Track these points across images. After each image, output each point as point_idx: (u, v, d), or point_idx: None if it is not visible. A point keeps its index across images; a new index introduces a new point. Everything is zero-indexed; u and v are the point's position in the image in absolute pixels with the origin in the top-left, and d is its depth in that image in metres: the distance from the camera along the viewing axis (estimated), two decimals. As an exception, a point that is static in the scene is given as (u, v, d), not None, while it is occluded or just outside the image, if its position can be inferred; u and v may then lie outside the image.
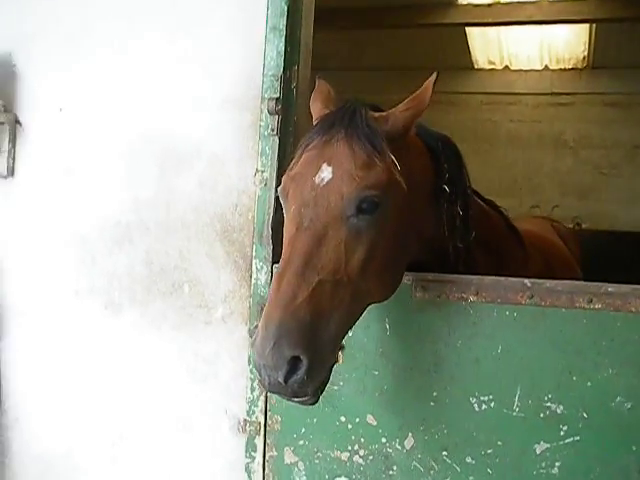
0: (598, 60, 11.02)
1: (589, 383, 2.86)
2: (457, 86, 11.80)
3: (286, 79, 3.47)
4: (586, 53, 10.80)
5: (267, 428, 3.36)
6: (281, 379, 2.28)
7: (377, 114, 2.80)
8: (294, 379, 2.30)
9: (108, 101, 3.96)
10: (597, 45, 10.43)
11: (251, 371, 3.39)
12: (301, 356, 2.28)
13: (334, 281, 2.44)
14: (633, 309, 2.81)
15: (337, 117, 2.71)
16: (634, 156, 11.12)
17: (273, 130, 3.42)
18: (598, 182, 11.34)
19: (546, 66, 11.52)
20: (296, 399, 2.42)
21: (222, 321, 3.64)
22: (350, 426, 3.19)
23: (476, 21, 9.48)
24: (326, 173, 2.56)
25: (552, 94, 11.56)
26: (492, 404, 2.98)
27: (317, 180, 2.55)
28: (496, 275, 3.01)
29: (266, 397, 3.36)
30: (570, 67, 11.39)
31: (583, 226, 11.02)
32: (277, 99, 3.42)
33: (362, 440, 3.18)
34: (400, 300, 3.05)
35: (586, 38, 10.23)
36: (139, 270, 3.85)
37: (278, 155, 3.43)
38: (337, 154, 2.58)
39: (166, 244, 3.79)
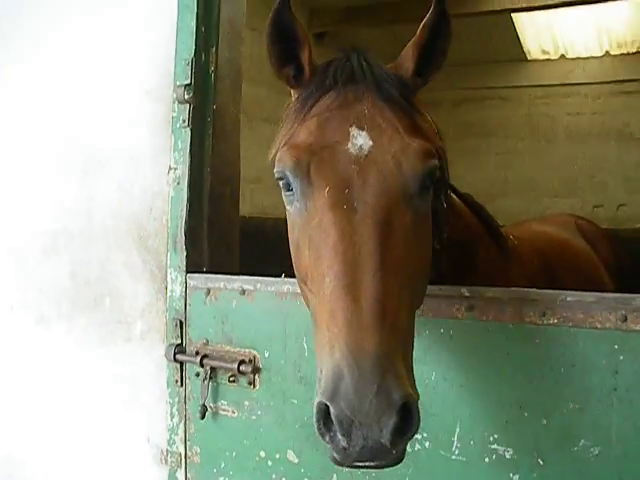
0: (665, 41, 10.11)
1: (545, 421, 2.32)
2: (509, 80, 11.11)
3: (200, 63, 3.10)
4: (650, 34, 9.92)
5: (187, 460, 3.06)
6: (387, 440, 1.64)
7: (390, 65, 2.30)
8: (405, 437, 1.69)
9: (33, 105, 3.71)
10: (661, 24, 9.55)
11: (170, 395, 3.10)
12: (410, 400, 1.67)
13: (409, 285, 1.93)
14: (598, 324, 2.25)
15: (347, 70, 2.20)
16: None
17: (185, 121, 3.05)
18: (668, 177, 10.40)
19: (607, 52, 10.66)
20: (387, 466, 1.77)
21: (141, 338, 3.32)
22: (270, 463, 2.83)
23: (521, 6, 8.75)
24: (362, 140, 2.03)
25: (615, 82, 10.69)
26: (426, 444, 2.52)
27: (353, 151, 2.02)
28: (454, 283, 2.50)
29: (185, 425, 3.05)
30: (634, 51, 10.49)
31: (652, 226, 10.20)
32: (187, 85, 3.05)
33: (284, 480, 2.79)
34: None
35: (648, 17, 9.39)
36: (65, 282, 3.56)
37: (191, 149, 3.05)
38: (371, 116, 2.08)
39: (88, 254, 3.49)
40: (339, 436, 1.64)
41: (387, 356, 1.68)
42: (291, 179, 2.06)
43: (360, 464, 1.71)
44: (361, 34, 8.67)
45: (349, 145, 2.02)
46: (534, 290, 2.35)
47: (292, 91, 2.44)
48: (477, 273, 2.93)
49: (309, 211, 2.02)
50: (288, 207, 2.15)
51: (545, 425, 2.30)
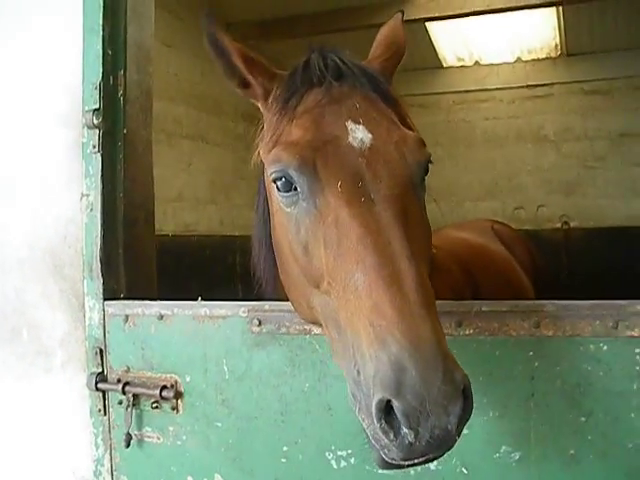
0: (572, 47, 10.45)
1: (466, 430, 2.22)
2: (427, 87, 11.31)
3: (108, 87, 3.03)
4: (558, 40, 10.23)
5: None
6: (454, 425, 1.61)
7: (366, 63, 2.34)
8: (466, 419, 1.67)
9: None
10: (568, 31, 9.87)
11: (94, 425, 3.00)
12: (468, 381, 1.67)
13: (427, 270, 1.93)
14: (513, 332, 2.26)
15: (333, 65, 2.18)
16: (620, 145, 10.51)
17: (95, 147, 2.98)
18: (584, 176, 10.71)
19: (518, 58, 10.97)
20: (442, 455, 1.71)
21: (61, 369, 3.22)
22: None
23: (435, 15, 8.88)
24: (362, 134, 2.02)
25: (527, 87, 11.00)
26: (352, 460, 2.49)
27: (355, 144, 1.99)
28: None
29: (111, 454, 2.96)
30: (544, 57, 10.83)
31: (571, 224, 10.47)
32: (96, 110, 2.97)
33: (213, 505, 2.73)
34: (236, 337, 2.65)
35: (555, 24, 9.67)
36: (-17, 314, 3.41)
37: (103, 175, 2.98)
38: (364, 109, 2.08)
39: (3, 285, 3.37)
40: (404, 431, 1.59)
41: (442, 340, 1.67)
42: (295, 178, 2.00)
43: (423, 459, 1.66)
44: (277, 47, 8.68)
45: (350, 139, 2.00)
46: (448, 302, 2.36)
47: (260, 103, 2.39)
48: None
49: (320, 209, 1.97)
50: (289, 209, 2.06)
51: (467, 435, 2.27)
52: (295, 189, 2.02)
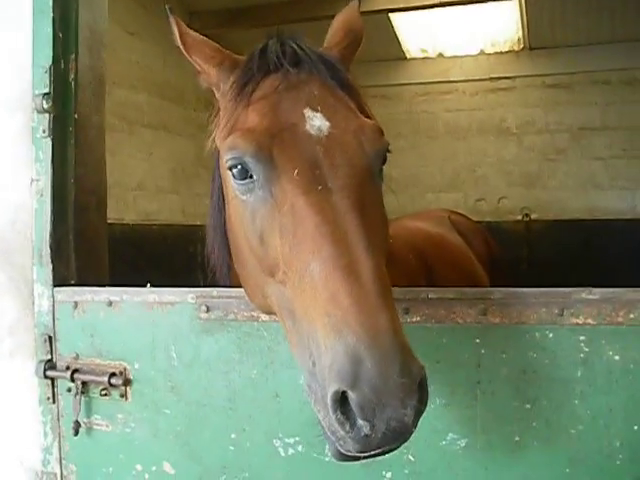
0: (534, 41, 10.49)
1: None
2: (390, 78, 11.29)
3: (59, 71, 2.98)
4: (520, 34, 10.27)
5: None
6: (410, 417, 1.59)
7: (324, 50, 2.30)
8: (422, 411, 1.66)
9: None
10: (531, 25, 9.90)
11: (43, 413, 2.98)
12: (424, 373, 1.66)
13: (384, 260, 1.91)
14: (460, 320, 2.27)
15: (290, 52, 2.15)
16: (580, 139, 10.60)
17: (45, 131, 2.94)
18: (545, 169, 10.80)
19: (481, 50, 10.99)
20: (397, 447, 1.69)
21: (10, 356, 3.17)
22: (147, 476, 2.76)
23: (399, 6, 8.88)
24: (319, 121, 1.98)
25: (490, 79, 11.03)
26: (300, 447, 2.49)
27: (313, 131, 1.96)
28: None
29: (60, 443, 2.94)
30: (507, 50, 10.86)
31: (532, 216, 10.56)
32: (46, 94, 2.93)
33: (161, 492, 2.72)
34: (185, 323, 2.63)
35: (518, 18, 9.71)
36: None
37: (54, 160, 2.94)
38: (322, 97, 2.06)
39: None
40: (360, 423, 1.57)
41: (399, 332, 1.65)
42: (252, 165, 1.96)
43: (379, 451, 1.64)
44: (240, 36, 8.63)
45: (307, 126, 1.97)
46: (396, 289, 2.35)
47: (215, 89, 2.36)
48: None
49: (276, 196, 1.93)
50: (244, 196, 2.02)
51: (413, 421, 2.32)
52: (251, 177, 1.98)
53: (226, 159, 2.03)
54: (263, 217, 1.97)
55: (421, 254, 3.96)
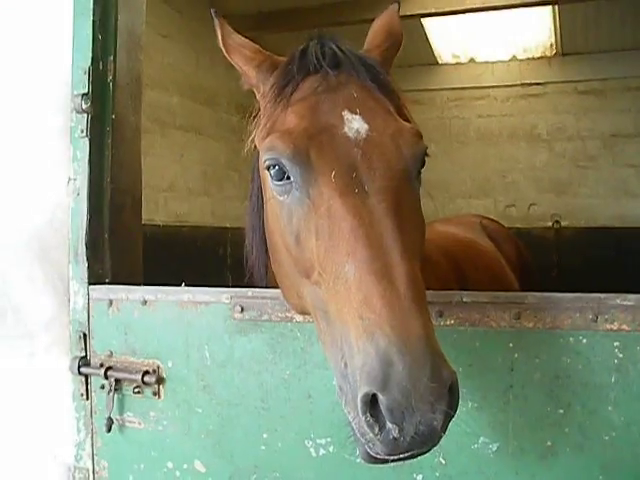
0: (567, 47, 10.46)
1: None
2: (422, 83, 11.30)
3: (98, 72, 3.02)
4: (553, 40, 10.24)
5: (95, 475, 2.97)
6: (439, 422, 1.59)
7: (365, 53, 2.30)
8: (452, 416, 1.66)
9: None
10: (563, 31, 9.87)
11: (76, 409, 3.01)
12: (455, 377, 1.66)
13: (419, 264, 1.90)
14: (493, 323, 2.26)
15: (330, 53, 2.16)
16: (612, 146, 10.54)
17: (83, 131, 2.98)
18: (576, 176, 10.74)
19: (513, 56, 10.98)
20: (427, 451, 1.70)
21: (45, 352, 3.21)
22: (178, 473, 2.78)
23: (431, 11, 8.88)
24: (358, 124, 1.98)
25: (522, 85, 11.01)
26: (331, 448, 2.49)
27: (351, 134, 1.96)
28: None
29: (92, 439, 2.97)
30: (539, 56, 10.84)
31: (563, 223, 10.50)
32: (85, 95, 2.97)
33: (192, 490, 2.74)
34: (219, 323, 2.65)
35: (551, 24, 9.69)
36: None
37: (91, 160, 2.98)
38: (361, 99, 2.05)
39: None
40: (389, 426, 1.58)
41: (431, 336, 1.65)
42: (289, 167, 1.96)
43: (408, 454, 1.64)
44: (274, 40, 8.66)
45: (346, 129, 1.97)
46: (430, 292, 2.34)
47: (256, 90, 2.38)
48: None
49: (313, 198, 1.93)
50: (281, 197, 2.03)
51: (445, 424, 2.32)
52: (288, 178, 1.99)
53: (264, 159, 2.04)
54: (300, 218, 1.98)
55: (453, 258, 3.96)
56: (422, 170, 2.09)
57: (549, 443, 2.24)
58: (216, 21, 2.41)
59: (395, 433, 1.57)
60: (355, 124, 1.98)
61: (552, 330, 2.22)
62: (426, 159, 2.09)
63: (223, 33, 2.39)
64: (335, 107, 2.02)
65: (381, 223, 1.82)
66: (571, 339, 2.20)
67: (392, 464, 1.71)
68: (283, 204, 2.04)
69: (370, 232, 1.79)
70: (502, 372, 2.28)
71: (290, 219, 2.02)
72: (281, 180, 2.01)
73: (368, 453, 1.69)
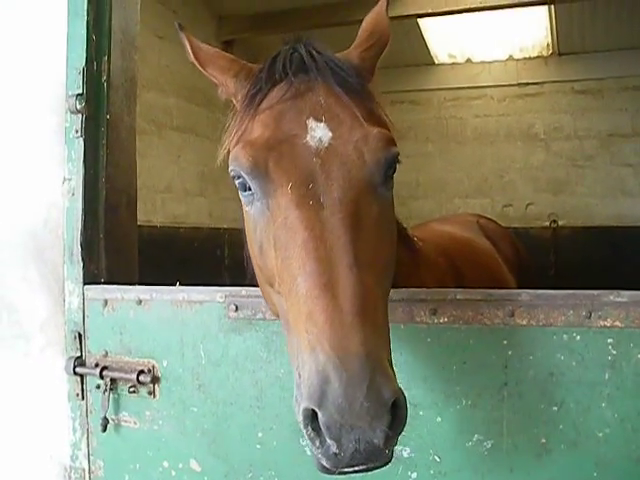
0: (563, 46, 10.48)
1: (439, 418, 2.35)
2: (418, 84, 11.33)
3: (92, 72, 3.03)
4: (550, 39, 10.26)
5: (91, 475, 2.98)
6: (381, 440, 1.56)
7: (339, 55, 2.22)
8: (397, 434, 1.62)
9: None
10: (560, 31, 9.89)
11: (72, 409, 3.02)
12: (399, 396, 1.61)
13: (381, 278, 1.85)
14: (487, 321, 2.25)
15: (296, 59, 2.10)
16: (609, 145, 10.55)
17: (77, 131, 2.99)
18: (573, 175, 10.75)
19: (510, 56, 10.99)
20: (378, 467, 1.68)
21: (40, 353, 3.21)
22: (174, 473, 2.78)
23: (427, 11, 8.89)
24: (321, 132, 1.93)
25: (519, 85, 11.03)
26: None
27: (313, 143, 1.92)
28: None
29: (88, 439, 2.98)
30: (535, 55, 10.86)
31: (560, 223, 10.50)
32: (79, 95, 2.97)
33: (188, 489, 2.74)
34: (213, 322, 2.65)
35: (547, 23, 9.69)
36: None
37: (85, 160, 2.99)
38: (327, 106, 1.99)
39: None
40: (329, 441, 1.57)
41: (372, 354, 1.60)
42: (248, 179, 1.96)
43: (351, 469, 1.62)
44: (269, 41, 8.69)
45: (308, 138, 1.93)
46: (423, 289, 2.37)
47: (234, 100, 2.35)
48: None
49: (272, 210, 1.92)
50: (247, 207, 2.04)
51: (440, 423, 2.32)
52: (249, 189, 1.99)
53: (229, 170, 2.04)
54: (262, 229, 1.98)
55: (450, 257, 3.94)
56: (393, 175, 2.03)
57: (543, 440, 2.24)
58: (182, 35, 2.35)
59: (334, 449, 1.57)
60: (318, 132, 1.94)
61: (546, 327, 2.22)
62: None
63: (193, 46, 2.33)
64: (300, 115, 1.98)
65: (332, 236, 1.79)
66: (565, 336, 2.20)
67: (345, 476, 1.70)
68: (249, 214, 2.05)
69: (319, 245, 1.77)
70: (496, 369, 2.27)
71: (255, 229, 2.03)
72: (245, 191, 2.02)
73: (320, 463, 1.67)
